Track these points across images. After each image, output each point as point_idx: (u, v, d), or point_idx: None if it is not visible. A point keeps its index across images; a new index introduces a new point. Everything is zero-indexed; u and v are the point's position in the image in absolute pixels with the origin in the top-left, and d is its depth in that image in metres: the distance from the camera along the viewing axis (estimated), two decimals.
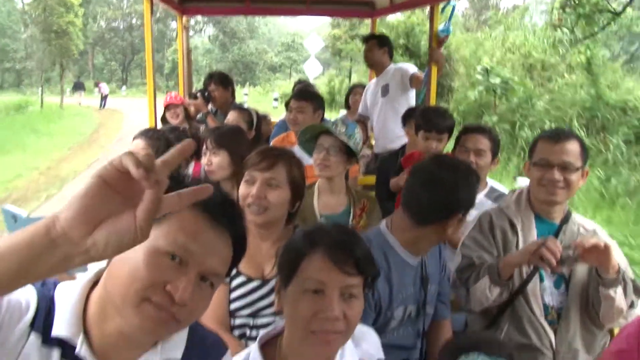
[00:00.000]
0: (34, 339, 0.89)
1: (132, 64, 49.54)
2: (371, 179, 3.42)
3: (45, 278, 0.65)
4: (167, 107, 4.08)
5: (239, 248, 1.02)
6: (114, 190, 0.65)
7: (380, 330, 1.73)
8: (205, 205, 0.94)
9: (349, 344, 1.30)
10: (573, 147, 1.83)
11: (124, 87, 39.63)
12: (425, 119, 2.80)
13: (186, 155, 0.70)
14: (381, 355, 1.40)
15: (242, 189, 1.75)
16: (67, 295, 0.94)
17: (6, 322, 0.86)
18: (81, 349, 0.91)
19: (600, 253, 1.65)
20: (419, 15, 15.43)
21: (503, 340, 1.36)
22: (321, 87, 19.89)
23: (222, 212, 0.97)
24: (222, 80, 4.31)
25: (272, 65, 43.57)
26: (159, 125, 3.87)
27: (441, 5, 3.73)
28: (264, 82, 35.20)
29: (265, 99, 22.37)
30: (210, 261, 0.94)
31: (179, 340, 1.02)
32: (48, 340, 0.90)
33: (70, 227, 0.63)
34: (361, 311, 1.18)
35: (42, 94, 22.52)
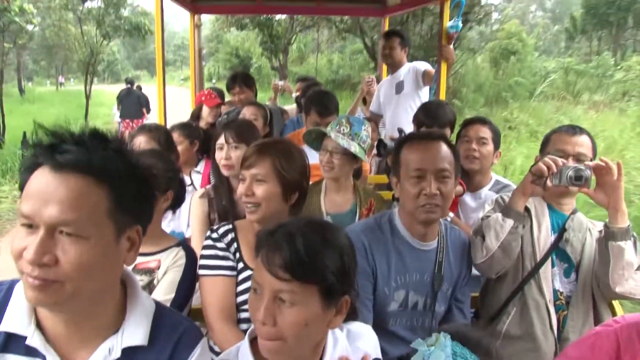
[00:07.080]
0: None
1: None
2: (382, 178, 3.42)
3: None
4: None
5: (117, 183, 0.93)
6: None
7: (381, 310, 1.75)
8: (46, 157, 0.90)
9: (342, 341, 1.26)
10: (586, 140, 1.92)
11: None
12: (426, 114, 2.81)
13: None
14: (378, 355, 1.35)
15: (239, 188, 1.78)
16: (21, 292, 0.93)
17: None
18: (32, 338, 0.92)
19: (610, 184, 1.70)
20: None
21: (479, 334, 1.32)
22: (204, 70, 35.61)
23: (65, 157, 0.89)
24: (244, 81, 4.30)
25: (167, 60, 59.35)
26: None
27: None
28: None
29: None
30: (49, 212, 0.87)
31: (139, 326, 1.00)
32: None
33: None
34: (302, 321, 1.05)
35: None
